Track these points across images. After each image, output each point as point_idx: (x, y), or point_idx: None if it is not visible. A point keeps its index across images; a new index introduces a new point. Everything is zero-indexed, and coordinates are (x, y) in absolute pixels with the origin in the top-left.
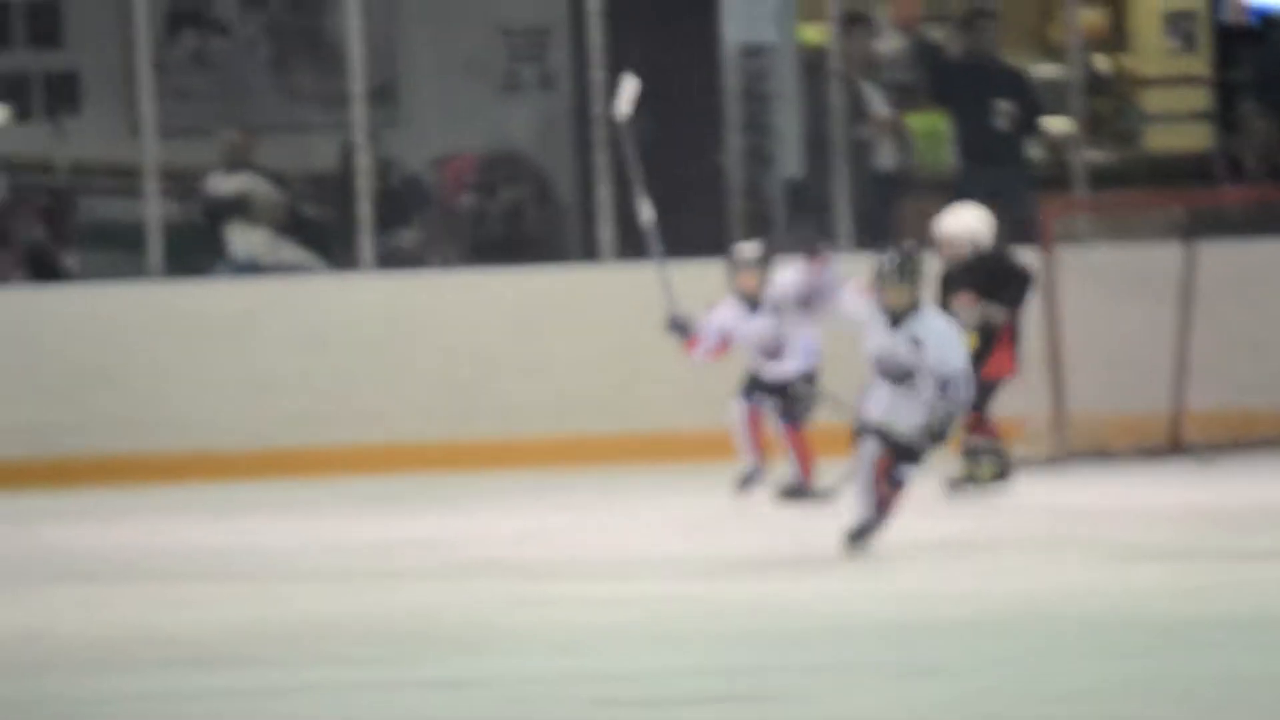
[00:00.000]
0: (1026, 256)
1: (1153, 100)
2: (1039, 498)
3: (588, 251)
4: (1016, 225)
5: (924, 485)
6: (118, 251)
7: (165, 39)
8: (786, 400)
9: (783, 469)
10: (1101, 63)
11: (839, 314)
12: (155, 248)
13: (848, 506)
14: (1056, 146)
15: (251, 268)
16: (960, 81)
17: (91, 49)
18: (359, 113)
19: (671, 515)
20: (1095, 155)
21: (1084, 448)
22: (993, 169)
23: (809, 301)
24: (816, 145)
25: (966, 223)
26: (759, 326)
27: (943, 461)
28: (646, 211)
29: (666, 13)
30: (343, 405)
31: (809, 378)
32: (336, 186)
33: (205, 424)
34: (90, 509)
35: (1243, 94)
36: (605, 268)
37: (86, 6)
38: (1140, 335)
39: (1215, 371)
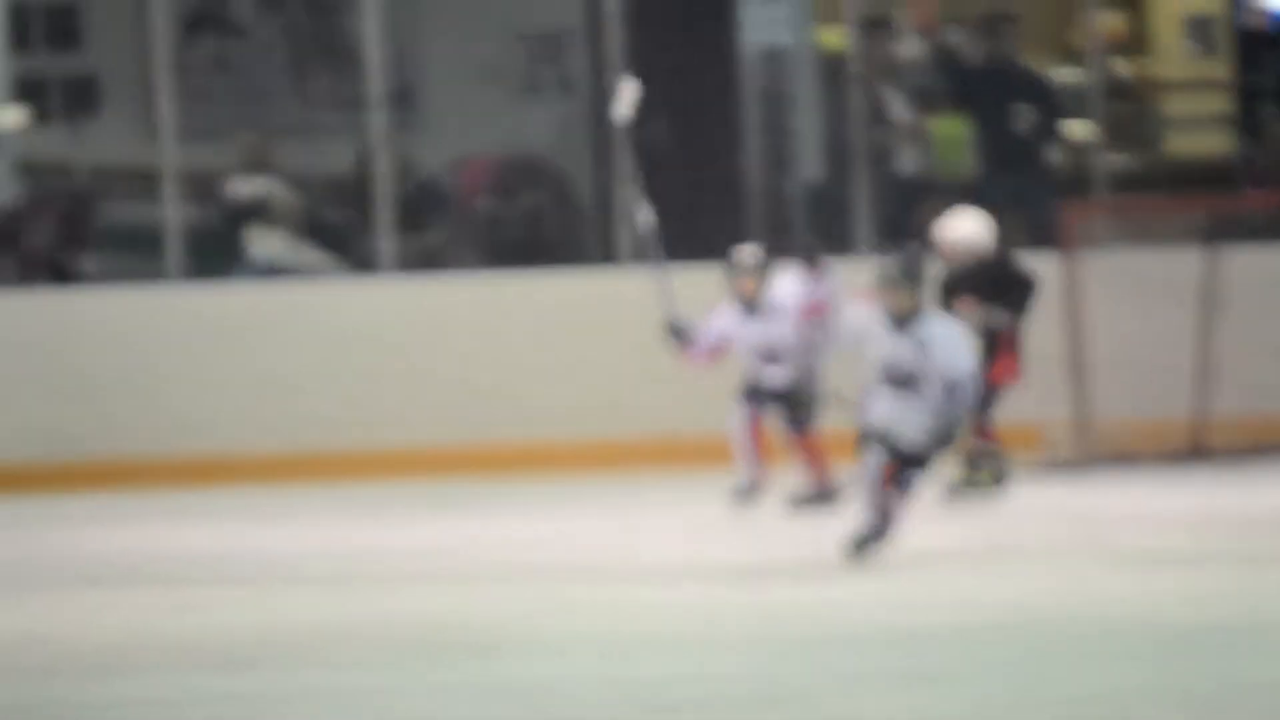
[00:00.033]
0: (1030, 262)
1: (1173, 105)
2: (1059, 502)
3: (605, 255)
4: (1037, 230)
5: (926, 491)
6: (136, 255)
7: (184, 42)
8: (790, 406)
9: (787, 477)
10: (1122, 67)
11: (845, 335)
12: (174, 251)
13: (853, 513)
14: (1077, 151)
15: (270, 271)
16: (980, 86)
17: (110, 52)
18: (377, 116)
19: (680, 521)
20: (1116, 160)
21: (1106, 452)
22: (1013, 174)
23: (809, 310)
24: (836, 149)
25: (967, 228)
26: (757, 331)
27: (944, 467)
28: (645, 216)
29: (685, 16)
30: (361, 409)
31: (809, 379)
32: (355, 190)
33: (224, 428)
34: (112, 512)
35: (1263, 98)
36: (623, 271)
37: (105, 10)
38: (1162, 340)
39: (1237, 376)
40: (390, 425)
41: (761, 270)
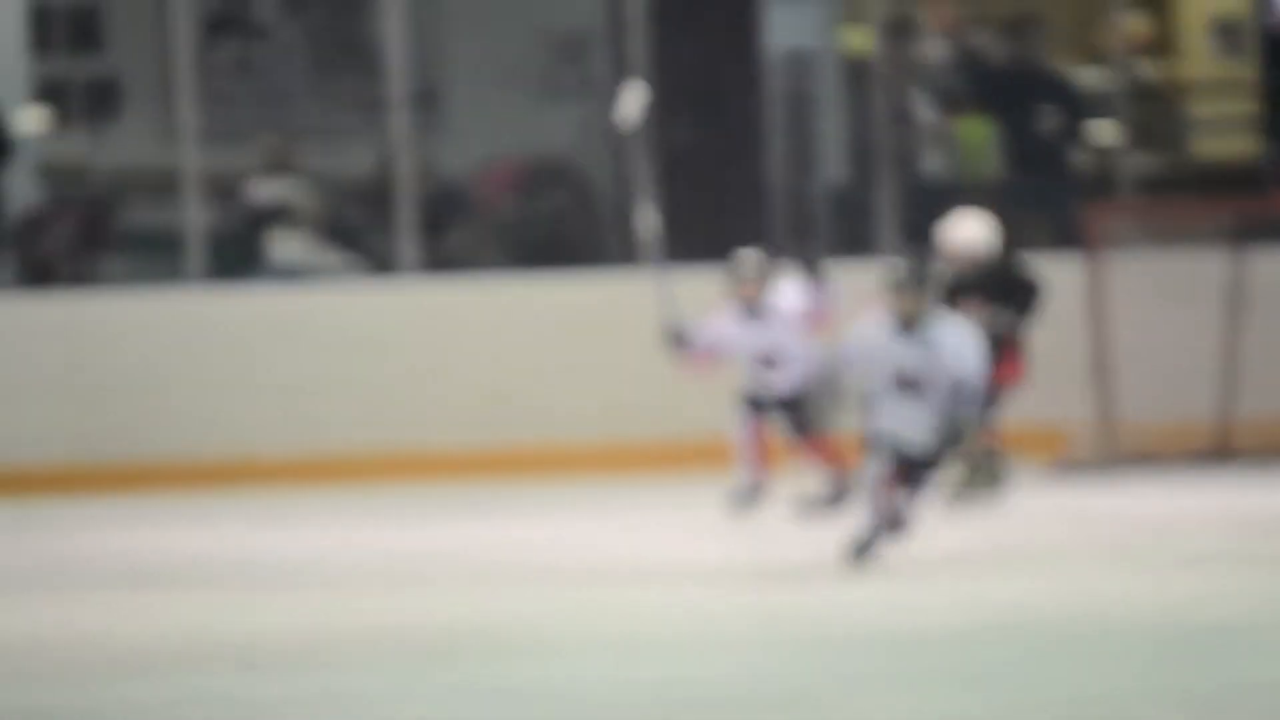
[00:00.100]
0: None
1: (1198, 106)
2: (1077, 504)
3: (627, 257)
4: (1062, 231)
5: (931, 493)
6: (157, 258)
7: (205, 44)
8: (796, 412)
9: (790, 481)
10: (1147, 69)
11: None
12: (195, 254)
13: (855, 518)
14: (1102, 153)
15: (292, 273)
16: (1005, 88)
17: (131, 54)
18: (399, 118)
19: (685, 523)
20: (1141, 161)
21: (1129, 454)
22: (1038, 175)
23: (808, 317)
24: (860, 151)
25: (971, 231)
26: (756, 336)
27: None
28: (648, 220)
29: (708, 17)
30: (382, 411)
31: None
32: (376, 192)
33: (246, 430)
34: (132, 514)
35: None
36: (645, 273)
37: (126, 12)
38: (1186, 342)
39: (1262, 378)
40: (412, 427)
41: (763, 275)
